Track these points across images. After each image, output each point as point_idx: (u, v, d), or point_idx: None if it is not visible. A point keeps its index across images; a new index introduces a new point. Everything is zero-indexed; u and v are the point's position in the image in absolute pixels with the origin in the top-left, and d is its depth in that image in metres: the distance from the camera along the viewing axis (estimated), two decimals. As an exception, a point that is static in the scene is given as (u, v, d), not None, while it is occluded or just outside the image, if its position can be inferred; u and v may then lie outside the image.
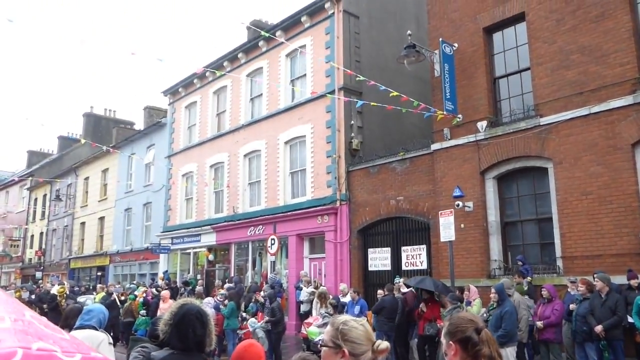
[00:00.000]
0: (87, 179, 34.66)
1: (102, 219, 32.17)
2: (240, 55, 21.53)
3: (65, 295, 15.57)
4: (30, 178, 42.10)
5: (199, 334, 3.55)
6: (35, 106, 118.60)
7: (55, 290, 16.81)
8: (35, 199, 41.40)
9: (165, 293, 14.60)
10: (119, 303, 16.55)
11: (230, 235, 20.83)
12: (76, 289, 21.68)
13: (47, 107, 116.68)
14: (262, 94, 20.70)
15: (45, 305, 17.20)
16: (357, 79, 13.51)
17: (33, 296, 20.32)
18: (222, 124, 22.90)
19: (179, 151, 25.08)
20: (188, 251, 23.77)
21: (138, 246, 27.79)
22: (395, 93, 12.54)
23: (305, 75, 18.82)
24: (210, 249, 22.24)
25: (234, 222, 20.52)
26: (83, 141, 24.78)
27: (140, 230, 28.11)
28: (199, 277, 21.57)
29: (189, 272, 23.11)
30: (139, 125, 37.05)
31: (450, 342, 2.32)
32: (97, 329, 4.77)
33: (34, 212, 41.35)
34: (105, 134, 37.36)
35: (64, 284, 18.80)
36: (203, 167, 23.07)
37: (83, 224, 34.40)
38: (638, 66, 10.94)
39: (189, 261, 23.81)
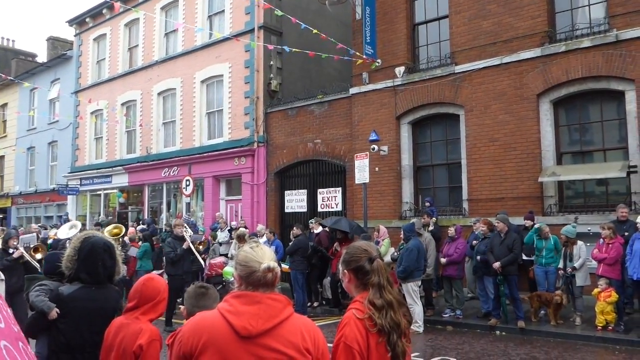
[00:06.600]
0: (-17, 114, 31.95)
1: (1, 158, 30.00)
2: (154, -15, 20.22)
3: (120, 241, 10.15)
4: None
5: (108, 265, 3.45)
6: None
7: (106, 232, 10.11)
8: None
9: None
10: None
11: (143, 177, 20.15)
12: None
13: None
14: (177, 30, 19.67)
15: None
16: (277, 13, 13.11)
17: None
18: (135, 60, 21.66)
19: (87, 87, 23.54)
20: (98, 193, 22.81)
21: (43, 187, 26.33)
22: (316, 31, 12.34)
23: (223, 11, 18.02)
24: (122, 190, 21.46)
25: (147, 163, 19.83)
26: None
27: (46, 171, 26.58)
28: (110, 219, 20.86)
29: (99, 215, 22.27)
30: (42, 57, 34.38)
31: (345, 270, 2.44)
32: None
33: None
34: (4, 65, 34.25)
35: (119, 224, 11.84)
36: (114, 104, 21.86)
37: (-20, 163, 31.93)
38: (548, 20, 11.41)
39: (100, 203, 22.90)
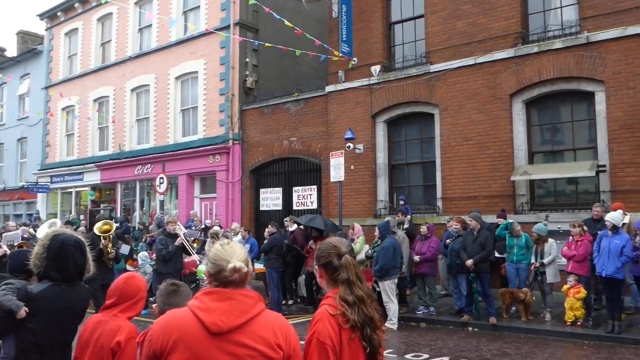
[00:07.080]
0: (-51, 109, 31.06)
1: (-32, 154, 29.21)
2: (128, -20, 19.89)
3: (110, 238, 8.81)
4: None
5: (79, 263, 3.38)
6: None
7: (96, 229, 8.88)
8: None
9: None
10: None
11: (116, 174, 19.85)
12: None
13: None
14: (151, 25, 19.41)
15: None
16: (252, 5, 13.05)
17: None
18: (108, 55, 21.30)
19: (58, 82, 23.05)
20: (69, 190, 22.40)
21: (12, 185, 25.75)
22: (290, 24, 12.36)
23: (199, 7, 17.84)
24: (94, 188, 21.11)
25: (120, 160, 19.54)
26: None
27: (15, 168, 26.01)
28: (82, 217, 20.50)
29: (70, 213, 21.86)
30: (12, 51, 33.54)
31: (317, 266, 2.46)
32: None
33: None
34: (-29, 59, 33.35)
35: (109, 220, 9.74)
36: (86, 100, 21.46)
37: (-54, 159, 31.04)
38: (521, 21, 11.59)
39: (71, 201, 22.49)
